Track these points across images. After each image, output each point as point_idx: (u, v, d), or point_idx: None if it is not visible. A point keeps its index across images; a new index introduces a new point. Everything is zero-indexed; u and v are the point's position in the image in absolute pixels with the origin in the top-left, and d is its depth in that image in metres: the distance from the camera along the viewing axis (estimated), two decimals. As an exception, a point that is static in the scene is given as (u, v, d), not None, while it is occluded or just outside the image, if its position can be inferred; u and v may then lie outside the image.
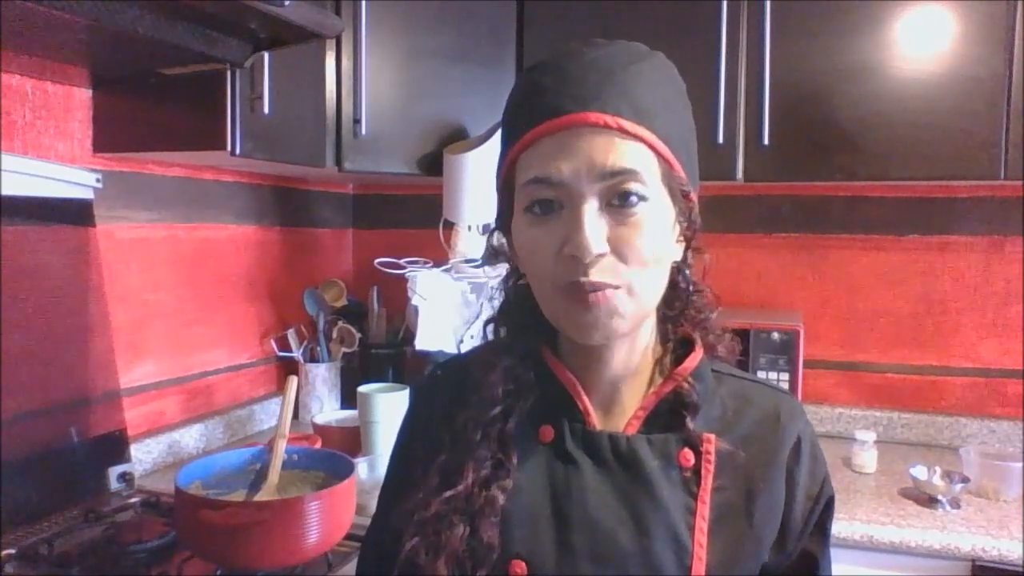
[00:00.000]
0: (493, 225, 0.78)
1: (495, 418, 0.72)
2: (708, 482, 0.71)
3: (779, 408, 0.77)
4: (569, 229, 0.65)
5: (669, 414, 0.73)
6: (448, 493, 0.70)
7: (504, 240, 0.77)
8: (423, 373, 1.35)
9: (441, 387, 0.81)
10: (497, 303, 0.81)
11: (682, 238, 0.73)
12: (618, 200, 0.65)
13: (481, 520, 0.69)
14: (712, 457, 0.71)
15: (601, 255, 0.65)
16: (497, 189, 0.75)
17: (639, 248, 0.66)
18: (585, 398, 0.74)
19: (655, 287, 0.69)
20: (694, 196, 0.72)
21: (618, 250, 0.65)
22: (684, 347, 0.77)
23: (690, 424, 0.72)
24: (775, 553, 0.74)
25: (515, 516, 0.70)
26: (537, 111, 0.67)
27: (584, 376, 0.74)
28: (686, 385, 0.73)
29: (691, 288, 0.76)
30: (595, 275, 0.64)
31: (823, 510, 0.77)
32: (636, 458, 0.70)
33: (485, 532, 0.68)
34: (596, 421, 0.73)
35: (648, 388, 0.75)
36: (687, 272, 0.76)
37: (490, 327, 0.80)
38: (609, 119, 0.65)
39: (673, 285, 0.74)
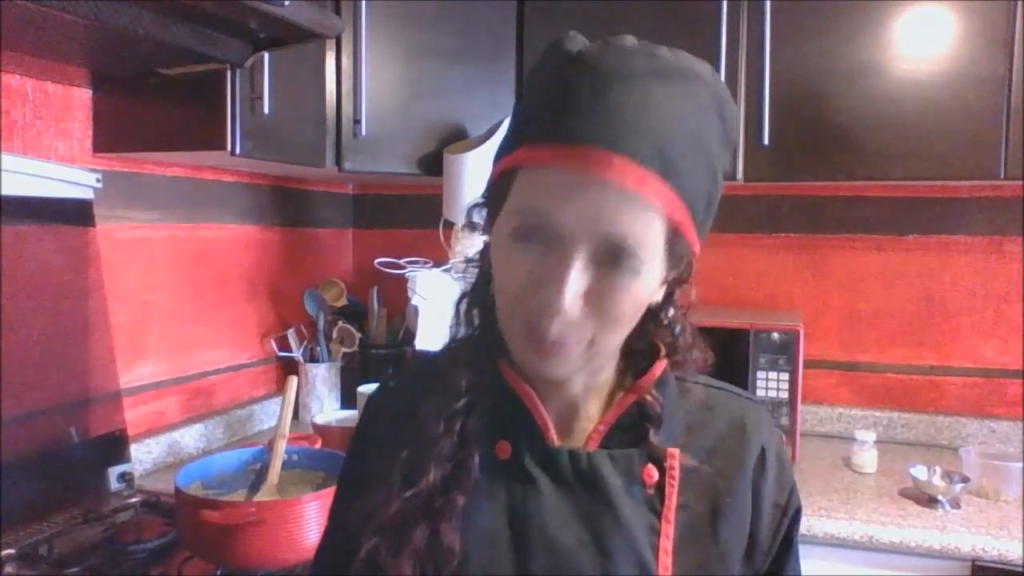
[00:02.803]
0: (479, 199, 0.72)
1: (457, 412, 0.68)
2: (672, 500, 0.68)
3: (744, 417, 0.74)
4: (548, 273, 0.60)
5: (631, 427, 0.69)
6: (409, 492, 0.66)
7: (484, 220, 0.72)
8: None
9: (397, 396, 0.79)
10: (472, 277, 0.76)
11: (665, 285, 0.69)
12: (609, 260, 0.60)
13: (441, 522, 0.65)
14: (676, 473, 0.68)
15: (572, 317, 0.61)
16: (495, 164, 0.68)
17: (615, 309, 0.62)
18: (544, 413, 0.69)
19: (618, 340, 0.66)
20: (697, 250, 0.67)
21: (591, 304, 0.61)
22: (648, 357, 0.73)
23: (653, 438, 0.68)
24: (744, 567, 0.71)
25: (472, 539, 0.66)
26: (564, 125, 0.60)
27: (542, 389, 0.70)
28: (649, 397, 0.69)
29: (673, 328, 0.73)
30: (557, 333, 0.61)
31: (791, 522, 0.74)
32: (598, 476, 0.67)
33: (445, 535, 0.65)
34: (555, 437, 0.69)
35: (609, 401, 0.71)
36: (670, 311, 0.72)
37: (463, 304, 0.75)
38: (632, 176, 0.58)
39: (652, 315, 0.70)
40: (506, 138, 0.67)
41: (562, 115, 0.60)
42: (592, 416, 0.71)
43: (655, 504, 0.67)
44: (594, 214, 0.59)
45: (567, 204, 0.59)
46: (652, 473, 0.68)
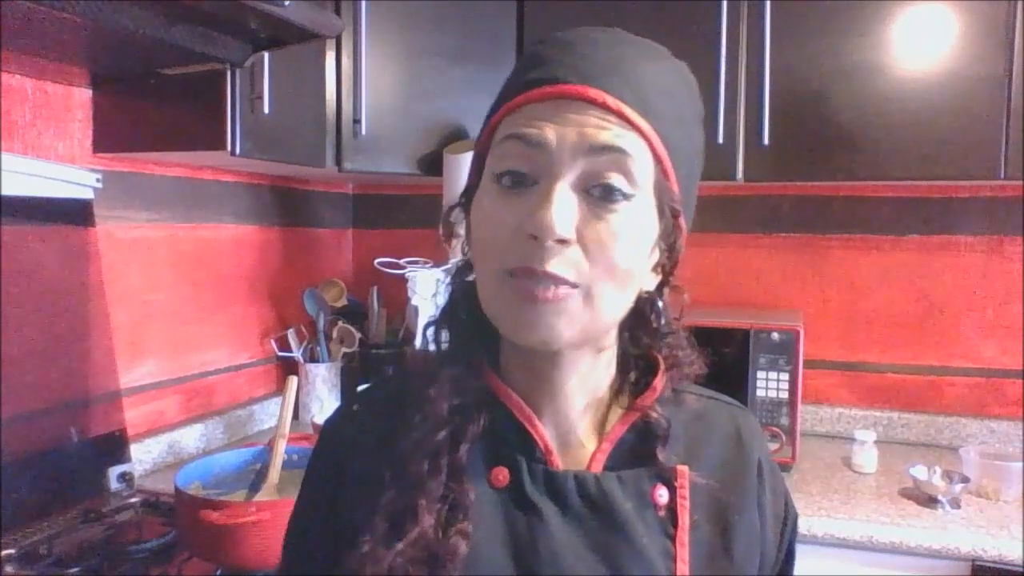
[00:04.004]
0: (456, 202, 0.69)
1: (442, 443, 0.61)
2: (684, 521, 0.63)
3: (739, 427, 0.71)
4: (536, 200, 0.57)
5: (635, 445, 0.65)
6: (401, 544, 0.58)
7: (461, 221, 0.69)
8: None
9: (366, 424, 0.68)
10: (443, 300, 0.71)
11: (659, 268, 0.65)
12: (599, 192, 0.58)
13: (441, 572, 0.58)
14: (687, 492, 0.63)
15: (564, 241, 0.56)
16: (473, 161, 0.67)
17: (610, 250, 0.57)
18: (544, 433, 0.64)
19: (616, 303, 0.61)
20: (684, 224, 0.64)
21: (585, 245, 0.57)
22: (642, 371, 0.69)
23: (661, 456, 0.64)
24: None
25: None
26: (532, 77, 0.60)
27: (536, 405, 0.64)
28: (654, 413, 0.65)
29: (666, 328, 0.68)
30: (553, 266, 0.56)
31: (791, 532, 0.72)
32: (608, 501, 0.61)
33: None
34: (559, 460, 0.63)
35: (606, 416, 0.67)
36: (660, 306, 0.67)
37: (431, 330, 0.70)
38: (610, 100, 0.58)
39: (643, 320, 0.66)
40: (485, 120, 0.67)
41: (532, 70, 0.61)
42: (590, 435, 0.66)
43: (667, 527, 0.63)
44: (578, 127, 0.57)
45: (548, 122, 0.58)
46: (662, 494, 0.63)
